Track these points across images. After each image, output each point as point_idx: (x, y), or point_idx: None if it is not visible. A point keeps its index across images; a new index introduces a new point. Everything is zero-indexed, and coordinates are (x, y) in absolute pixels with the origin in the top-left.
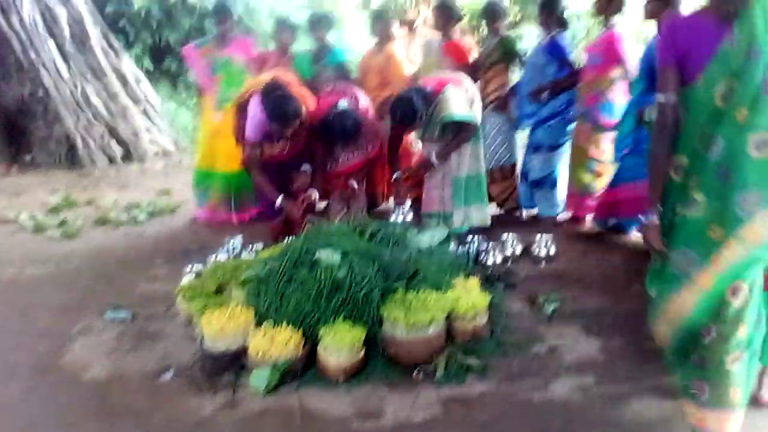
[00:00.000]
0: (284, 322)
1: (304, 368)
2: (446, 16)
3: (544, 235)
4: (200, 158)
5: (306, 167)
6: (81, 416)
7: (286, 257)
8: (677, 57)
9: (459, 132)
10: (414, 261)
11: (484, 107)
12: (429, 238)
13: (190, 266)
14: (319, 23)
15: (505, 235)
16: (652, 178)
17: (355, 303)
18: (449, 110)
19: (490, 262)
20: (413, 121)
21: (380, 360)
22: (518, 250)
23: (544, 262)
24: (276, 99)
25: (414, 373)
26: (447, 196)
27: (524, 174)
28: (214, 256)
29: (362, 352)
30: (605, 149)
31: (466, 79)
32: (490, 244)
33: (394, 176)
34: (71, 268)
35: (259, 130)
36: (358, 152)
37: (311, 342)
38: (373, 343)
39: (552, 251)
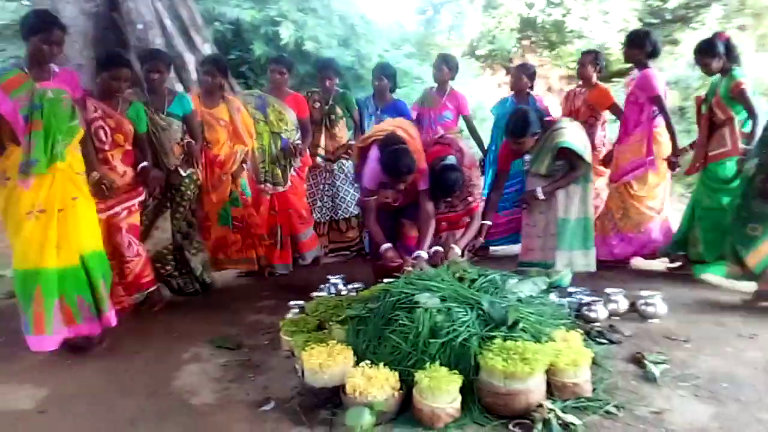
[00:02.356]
0: (381, 363)
1: (399, 411)
2: (594, 64)
3: (652, 291)
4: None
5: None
6: None
7: (385, 299)
8: None
9: (570, 170)
10: (514, 309)
11: None
12: (530, 287)
13: (294, 301)
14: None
15: (610, 289)
16: None
17: (453, 349)
18: (565, 138)
19: (593, 316)
20: (524, 133)
21: (476, 409)
22: (624, 305)
23: (651, 320)
24: (392, 153)
25: (510, 426)
26: (549, 245)
27: None
28: (317, 292)
29: (458, 400)
30: None
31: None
32: (595, 297)
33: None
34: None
35: (374, 178)
36: (461, 205)
37: (407, 385)
38: (470, 391)
39: (660, 308)
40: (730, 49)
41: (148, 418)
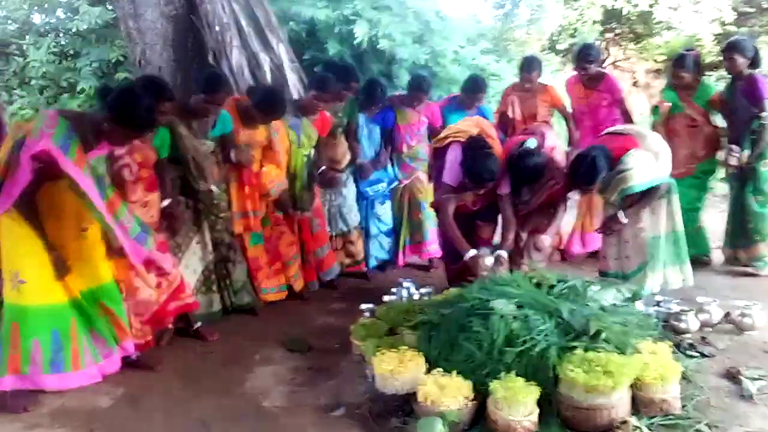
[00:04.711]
0: (454, 372)
1: (473, 422)
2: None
3: (749, 301)
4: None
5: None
6: None
7: (459, 305)
8: None
9: (648, 192)
10: (596, 319)
11: None
12: (614, 295)
13: (365, 305)
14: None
15: (702, 298)
16: None
17: (530, 359)
18: (630, 184)
19: (684, 327)
20: (593, 183)
21: (554, 423)
22: (718, 315)
23: (748, 332)
24: (477, 158)
25: None
26: (625, 254)
27: None
28: (388, 296)
29: (536, 413)
30: None
31: (649, 134)
32: (685, 306)
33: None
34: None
35: (455, 179)
36: (541, 191)
37: (481, 395)
38: (548, 404)
39: (758, 319)
40: None
41: (220, 418)
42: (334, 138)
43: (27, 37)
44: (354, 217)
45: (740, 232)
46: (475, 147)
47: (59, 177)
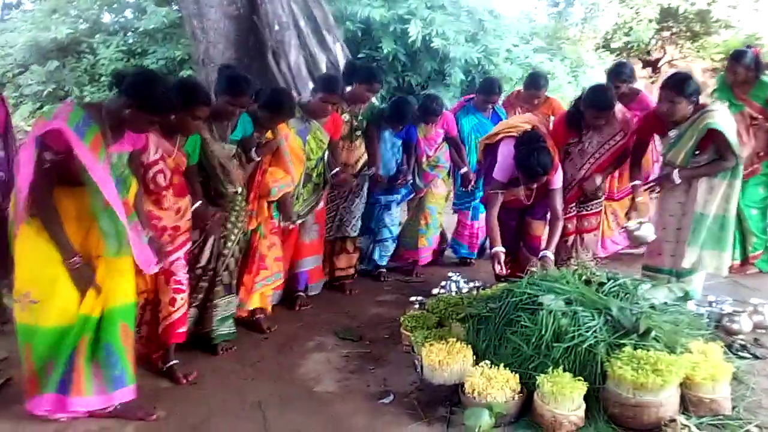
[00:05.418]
0: (501, 365)
1: (519, 414)
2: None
3: None
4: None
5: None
6: (308, 424)
7: (508, 299)
8: None
9: (716, 160)
10: (646, 317)
11: None
12: (665, 294)
13: (414, 297)
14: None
15: (756, 299)
16: None
17: (578, 354)
18: (716, 120)
19: (736, 328)
20: (681, 91)
21: (601, 419)
22: None
23: None
24: (531, 152)
25: None
26: (681, 253)
27: None
28: (437, 289)
29: (582, 408)
30: None
31: None
32: (738, 307)
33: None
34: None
35: (507, 174)
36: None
37: (528, 389)
38: (595, 400)
39: None
40: None
41: (274, 402)
42: (350, 141)
43: (97, 35)
44: (357, 224)
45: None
46: (529, 141)
47: (77, 178)
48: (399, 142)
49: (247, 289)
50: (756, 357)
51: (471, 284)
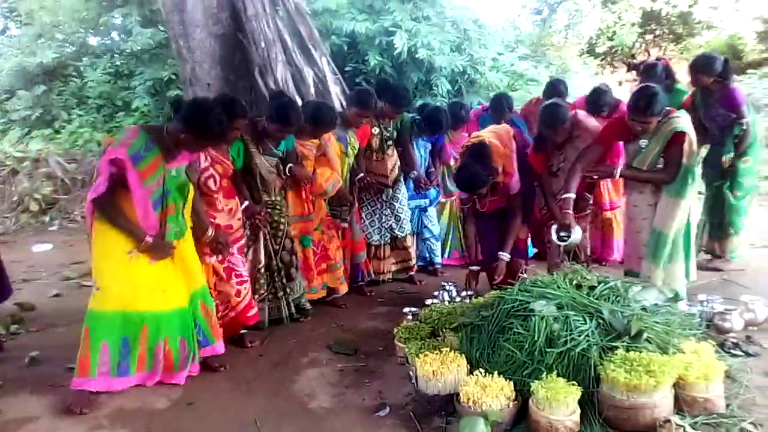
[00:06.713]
0: (496, 372)
1: (515, 422)
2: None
3: None
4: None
5: None
6: None
7: (500, 306)
8: None
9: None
10: (637, 319)
11: None
12: (655, 295)
13: (408, 308)
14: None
15: (747, 297)
16: None
17: (571, 359)
18: (681, 124)
19: (728, 326)
20: (651, 113)
21: (596, 422)
22: (763, 314)
23: None
24: (461, 168)
25: None
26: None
27: None
28: (431, 300)
29: (577, 412)
30: None
31: None
32: (729, 305)
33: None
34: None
35: None
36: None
37: (523, 395)
38: (590, 404)
39: None
40: None
41: (270, 418)
42: (382, 153)
43: (84, 59)
44: (408, 223)
45: (717, 225)
46: (469, 154)
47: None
48: (428, 145)
49: (316, 275)
50: (748, 354)
51: (464, 293)
